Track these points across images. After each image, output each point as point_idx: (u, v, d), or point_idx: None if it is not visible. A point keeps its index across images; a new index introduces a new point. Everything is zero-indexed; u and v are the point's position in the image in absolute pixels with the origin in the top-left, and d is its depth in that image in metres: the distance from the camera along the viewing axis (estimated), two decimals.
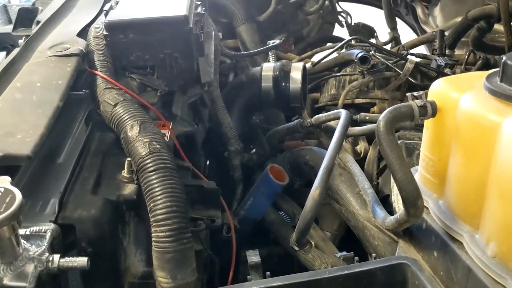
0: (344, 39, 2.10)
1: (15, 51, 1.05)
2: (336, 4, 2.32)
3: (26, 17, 1.65)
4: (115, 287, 0.82)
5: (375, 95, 1.57)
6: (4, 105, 0.82)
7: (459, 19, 1.99)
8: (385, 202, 1.06)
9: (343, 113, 1.12)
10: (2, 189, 0.63)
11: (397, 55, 1.60)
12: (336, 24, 2.36)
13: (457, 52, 1.95)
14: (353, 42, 1.76)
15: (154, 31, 1.02)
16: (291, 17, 2.11)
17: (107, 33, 1.02)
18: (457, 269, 0.68)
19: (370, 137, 1.37)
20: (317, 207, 0.90)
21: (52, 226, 0.71)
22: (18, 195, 0.63)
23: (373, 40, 2.28)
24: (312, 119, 1.30)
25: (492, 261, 0.63)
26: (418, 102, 0.72)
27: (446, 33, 1.95)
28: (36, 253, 0.67)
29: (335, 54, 1.77)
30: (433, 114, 0.72)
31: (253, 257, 0.87)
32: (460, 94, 0.69)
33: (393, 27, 2.31)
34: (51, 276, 0.67)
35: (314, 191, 0.90)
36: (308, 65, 1.72)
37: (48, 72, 0.92)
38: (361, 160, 1.33)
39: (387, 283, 0.74)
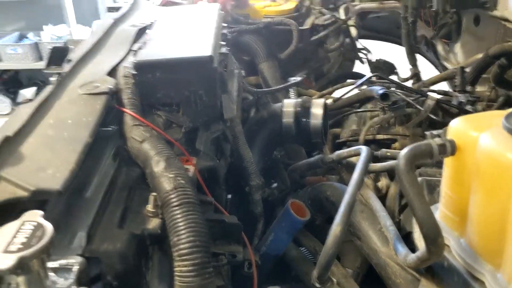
0: (365, 76, 2.14)
1: (48, 88, 1.10)
2: (357, 41, 2.35)
3: (58, 55, 1.72)
4: None
5: (397, 131, 1.58)
6: (37, 141, 0.86)
7: (479, 55, 2.01)
8: (407, 239, 1.06)
9: (364, 149, 1.14)
10: (35, 223, 0.66)
11: (418, 92, 1.62)
12: (357, 61, 2.40)
13: (478, 88, 1.95)
14: (373, 78, 1.79)
15: (181, 70, 1.06)
16: (312, 55, 2.16)
17: (136, 72, 1.06)
18: None
19: (391, 173, 1.37)
20: (339, 243, 0.90)
21: (79, 259, 0.73)
22: (49, 229, 0.65)
23: (394, 77, 2.30)
24: (334, 155, 1.32)
25: None
26: (438, 140, 0.73)
27: (467, 70, 1.96)
28: (64, 286, 0.69)
29: (356, 90, 1.79)
30: (452, 153, 0.73)
31: None
32: (479, 133, 0.70)
33: (413, 63, 2.32)
34: None
35: (336, 227, 0.91)
36: (329, 101, 1.75)
37: (79, 110, 0.96)
38: (382, 197, 1.33)
39: None
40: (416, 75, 2.31)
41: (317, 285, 1.02)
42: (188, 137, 1.17)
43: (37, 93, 4.44)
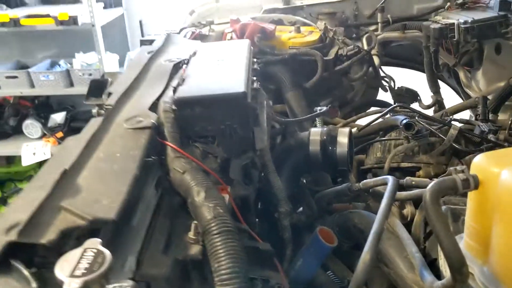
0: (388, 103, 2.19)
1: (94, 121, 1.19)
2: (380, 69, 2.42)
3: (97, 88, 1.82)
4: None
5: (420, 159, 1.62)
6: (91, 174, 0.94)
7: (502, 83, 2.06)
8: (433, 265, 1.10)
9: (390, 179, 1.19)
10: (95, 250, 0.73)
11: (440, 121, 1.67)
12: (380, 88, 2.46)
13: (500, 116, 2.00)
14: (397, 108, 1.85)
15: (217, 105, 1.14)
16: (336, 83, 2.23)
17: (175, 108, 1.15)
18: None
19: (416, 201, 1.42)
20: (368, 270, 0.96)
21: (131, 283, 0.80)
22: (108, 256, 0.72)
23: (416, 104, 2.36)
24: (360, 184, 1.37)
25: None
26: (461, 176, 0.78)
27: (490, 97, 2.01)
28: None
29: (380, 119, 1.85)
30: (475, 187, 0.79)
31: None
32: (500, 169, 0.76)
33: (436, 91, 2.38)
34: None
35: (365, 255, 0.96)
36: (354, 129, 1.81)
37: (126, 144, 1.04)
38: (408, 224, 1.37)
39: None
40: (438, 102, 2.37)
41: None
42: (222, 166, 1.25)
43: (67, 117, 4.61)
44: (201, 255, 0.94)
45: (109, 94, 1.47)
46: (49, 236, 0.77)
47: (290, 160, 1.66)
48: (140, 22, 4.79)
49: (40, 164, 4.55)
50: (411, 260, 1.13)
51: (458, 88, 2.62)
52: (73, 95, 4.42)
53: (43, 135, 4.44)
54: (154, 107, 1.23)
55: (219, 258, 0.86)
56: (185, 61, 1.50)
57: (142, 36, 4.81)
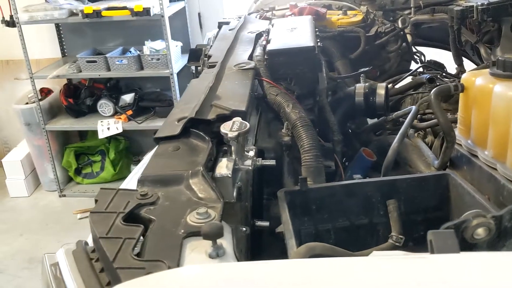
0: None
1: (213, 69, 1.76)
2: (412, 46, 2.92)
3: (194, 54, 2.41)
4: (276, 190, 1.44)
5: (442, 106, 2.13)
6: (224, 90, 1.51)
7: None
8: None
9: (413, 108, 1.72)
10: (240, 121, 1.30)
11: (457, 77, 2.17)
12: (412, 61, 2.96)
13: None
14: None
15: (295, 55, 1.70)
16: (375, 55, 2.75)
17: (267, 57, 1.71)
18: (475, 170, 1.25)
19: (435, 132, 1.93)
20: (395, 154, 1.49)
21: (254, 147, 1.37)
22: (247, 124, 1.29)
23: None
24: (393, 115, 1.90)
25: (492, 160, 1.20)
26: (453, 83, 1.31)
27: None
28: (248, 156, 1.32)
29: (409, 79, 2.37)
30: (462, 91, 1.31)
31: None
32: (476, 78, 1.28)
33: (459, 63, 2.86)
34: (257, 169, 1.32)
35: (394, 145, 1.50)
36: (390, 85, 2.33)
37: (239, 77, 1.61)
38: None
39: (437, 186, 1.31)
40: (461, 73, 2.84)
41: None
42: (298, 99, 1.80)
43: (135, 97, 5.27)
44: (290, 142, 1.50)
45: (209, 57, 2.05)
46: (211, 116, 1.34)
47: (340, 108, 2.20)
48: (199, 14, 5.41)
49: (110, 138, 5.25)
50: (427, 161, 1.66)
51: (480, 63, 3.08)
52: (140, 77, 5.09)
53: (115, 113, 5.10)
54: (249, 59, 1.80)
55: (303, 139, 1.42)
56: (265, 31, 2.07)
57: (200, 26, 5.46)
